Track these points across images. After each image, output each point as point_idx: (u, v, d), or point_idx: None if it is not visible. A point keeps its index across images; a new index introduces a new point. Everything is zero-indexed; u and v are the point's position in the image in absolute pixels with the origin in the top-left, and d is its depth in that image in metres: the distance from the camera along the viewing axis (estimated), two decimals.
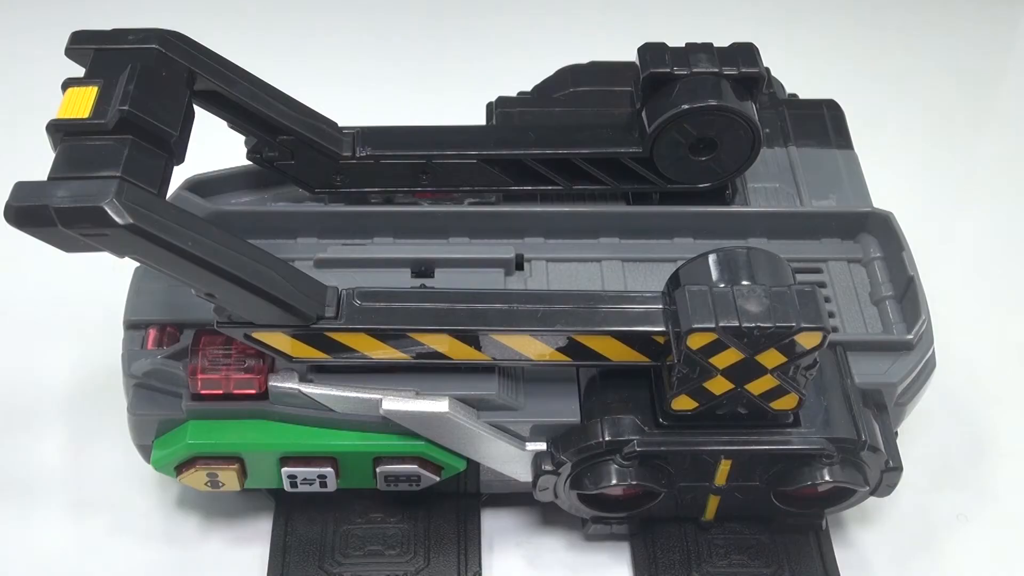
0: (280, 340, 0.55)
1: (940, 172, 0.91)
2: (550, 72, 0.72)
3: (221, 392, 0.57)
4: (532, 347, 0.56)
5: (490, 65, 0.98)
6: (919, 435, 0.70)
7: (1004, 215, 0.87)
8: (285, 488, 0.60)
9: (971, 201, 0.89)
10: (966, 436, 0.72)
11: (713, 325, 0.51)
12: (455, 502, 0.65)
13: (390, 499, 0.64)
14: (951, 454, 0.71)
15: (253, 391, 0.57)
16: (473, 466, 0.61)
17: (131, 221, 0.47)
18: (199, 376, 0.57)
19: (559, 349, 0.56)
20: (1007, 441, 0.72)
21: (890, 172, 0.80)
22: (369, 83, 0.97)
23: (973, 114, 0.98)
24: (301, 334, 0.54)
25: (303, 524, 0.64)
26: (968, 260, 0.83)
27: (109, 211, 0.47)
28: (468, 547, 0.63)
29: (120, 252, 0.49)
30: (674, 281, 0.55)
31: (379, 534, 0.63)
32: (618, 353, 0.56)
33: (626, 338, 0.55)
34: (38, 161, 0.52)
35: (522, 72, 0.77)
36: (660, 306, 0.55)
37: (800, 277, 0.60)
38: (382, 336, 0.55)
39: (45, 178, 0.49)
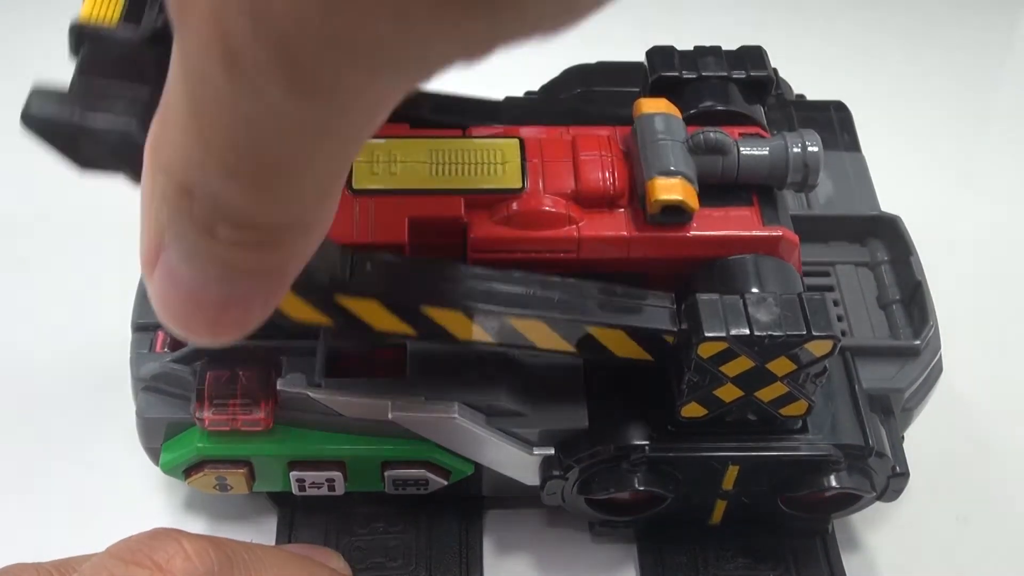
0: (285, 298, 0.52)
1: (948, 175, 0.91)
2: (557, 72, 0.72)
3: (228, 429, 0.57)
4: (541, 333, 0.54)
5: (496, 64, 0.97)
6: (925, 439, 0.70)
7: (1012, 219, 0.87)
8: (293, 491, 0.60)
9: (979, 205, 0.89)
10: (972, 439, 0.72)
11: (724, 334, 0.51)
12: (457, 508, 0.65)
13: (392, 507, 0.64)
14: (957, 458, 0.71)
15: (260, 428, 0.57)
16: (476, 469, 0.61)
17: None
18: (206, 416, 0.57)
19: (565, 337, 0.54)
20: (1012, 444, 0.72)
21: (898, 175, 0.80)
22: None
23: (981, 117, 0.98)
24: (308, 295, 0.51)
25: (306, 537, 0.64)
26: (975, 264, 0.83)
27: (137, 137, 0.42)
28: (470, 556, 0.63)
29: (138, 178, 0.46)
30: (684, 289, 0.55)
31: (381, 546, 0.63)
32: (624, 348, 0.55)
33: (637, 334, 0.54)
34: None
35: (529, 72, 0.76)
36: (672, 306, 0.54)
37: (808, 281, 0.60)
38: (391, 306, 0.52)
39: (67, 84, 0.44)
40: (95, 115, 0.43)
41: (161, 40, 0.45)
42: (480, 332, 0.54)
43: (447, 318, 0.53)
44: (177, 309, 0.36)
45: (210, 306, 0.36)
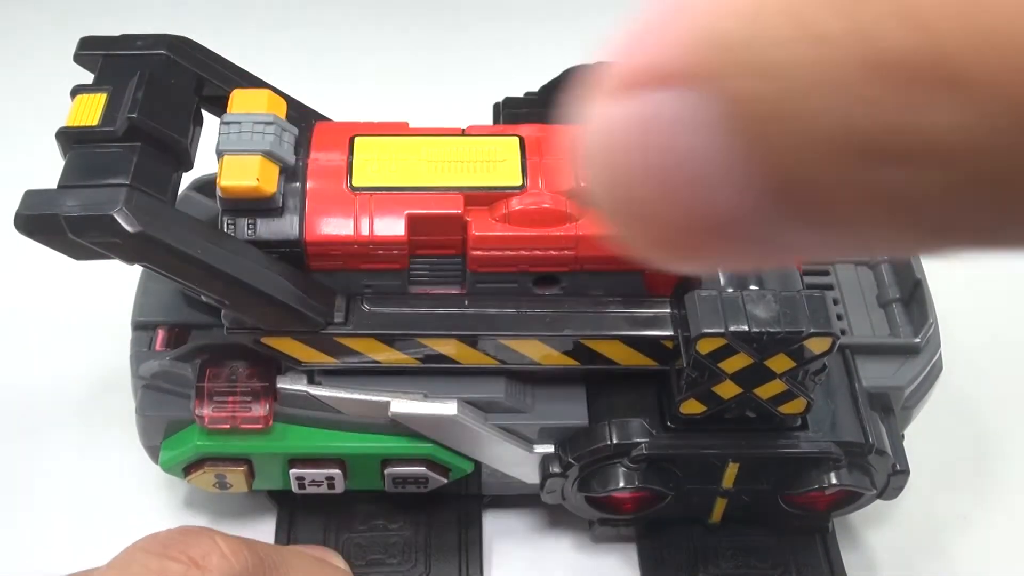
0: (289, 345, 0.55)
1: None
2: (557, 73, 0.72)
3: (228, 427, 0.57)
4: (540, 351, 0.56)
5: (497, 66, 0.98)
6: (925, 437, 0.70)
7: None
8: (293, 489, 0.61)
9: None
10: (972, 438, 0.72)
11: (723, 330, 0.51)
12: (457, 505, 0.65)
13: (392, 505, 0.64)
14: (957, 456, 0.71)
15: (259, 426, 0.57)
16: (475, 468, 0.61)
17: (140, 229, 0.47)
18: (206, 414, 0.57)
19: (567, 353, 0.56)
20: (1013, 443, 0.72)
21: None
22: (376, 84, 0.97)
23: None
24: (310, 339, 0.54)
25: (305, 532, 0.64)
26: (975, 262, 0.83)
27: (119, 219, 0.47)
28: (469, 552, 0.63)
29: (130, 260, 0.49)
30: (683, 286, 0.55)
31: (380, 542, 0.64)
32: (626, 357, 0.56)
33: (634, 342, 0.55)
34: (48, 169, 0.52)
35: (529, 72, 0.77)
36: (668, 310, 0.55)
37: (807, 280, 0.60)
38: (389, 341, 0.55)
39: (55, 186, 0.49)
40: (80, 205, 0.47)
41: (135, 134, 0.50)
42: (480, 355, 0.56)
43: (445, 346, 0.55)
44: (639, 182, 0.20)
45: (703, 216, 0.20)
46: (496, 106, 0.72)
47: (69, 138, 0.51)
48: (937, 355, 0.62)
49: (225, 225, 0.52)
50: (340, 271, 0.55)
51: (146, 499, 0.67)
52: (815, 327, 0.51)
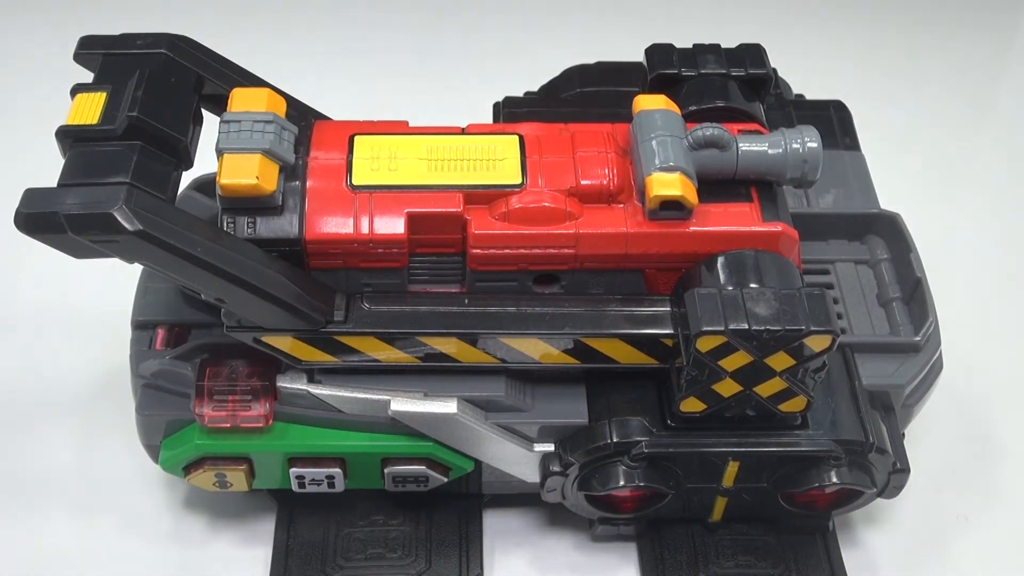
0: (288, 343, 0.55)
1: (947, 173, 0.91)
2: (557, 72, 0.72)
3: (228, 426, 0.57)
4: (540, 349, 0.56)
5: (497, 65, 0.98)
6: (925, 436, 0.70)
7: (1011, 216, 0.87)
8: (293, 488, 0.61)
9: (978, 202, 0.89)
10: (973, 437, 0.72)
11: (723, 328, 0.51)
12: (457, 503, 0.65)
13: (392, 501, 0.64)
14: (957, 455, 0.71)
15: (259, 425, 0.57)
16: (475, 467, 0.61)
17: (140, 227, 0.47)
18: (206, 413, 0.57)
19: (567, 351, 0.56)
20: (1013, 442, 0.72)
21: (897, 173, 0.80)
22: (376, 84, 0.97)
23: (980, 115, 0.98)
24: (310, 338, 0.54)
25: (305, 527, 0.64)
26: (974, 261, 0.83)
27: (119, 217, 0.47)
28: (470, 549, 0.63)
29: (130, 258, 0.49)
30: (683, 284, 0.55)
31: (381, 537, 0.64)
32: (626, 355, 0.56)
33: (634, 341, 0.55)
34: (47, 168, 0.52)
35: (529, 72, 0.77)
36: (668, 308, 0.55)
37: (808, 279, 0.60)
38: (390, 339, 0.55)
39: (55, 185, 0.49)
40: (80, 203, 0.47)
41: (135, 132, 0.51)
42: (480, 354, 0.56)
43: (445, 345, 0.55)
44: None
45: None
46: (496, 105, 0.72)
47: (69, 137, 0.51)
48: (937, 354, 0.62)
49: (225, 224, 0.52)
50: (340, 270, 0.55)
51: (146, 499, 0.67)
52: (815, 325, 0.51)
